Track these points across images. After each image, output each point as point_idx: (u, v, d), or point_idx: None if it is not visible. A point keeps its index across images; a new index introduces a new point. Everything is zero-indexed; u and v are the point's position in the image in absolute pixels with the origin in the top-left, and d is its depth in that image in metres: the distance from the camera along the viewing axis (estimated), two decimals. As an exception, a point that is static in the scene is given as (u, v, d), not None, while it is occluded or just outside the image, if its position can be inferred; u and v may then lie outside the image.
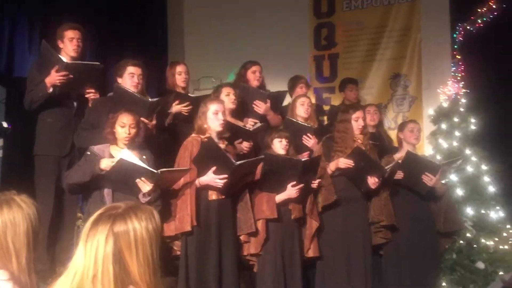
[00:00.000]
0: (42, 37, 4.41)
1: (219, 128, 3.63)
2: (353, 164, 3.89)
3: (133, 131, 3.36)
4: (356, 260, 3.97)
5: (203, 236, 3.54)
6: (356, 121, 4.07)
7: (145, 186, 3.23)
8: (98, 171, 3.24)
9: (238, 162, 3.48)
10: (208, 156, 3.49)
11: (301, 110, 4.31)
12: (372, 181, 3.91)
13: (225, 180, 3.47)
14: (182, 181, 3.52)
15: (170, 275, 3.58)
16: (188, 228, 3.45)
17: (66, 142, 3.91)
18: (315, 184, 3.86)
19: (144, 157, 3.44)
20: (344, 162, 3.91)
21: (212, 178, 3.48)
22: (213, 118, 3.61)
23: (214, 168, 3.46)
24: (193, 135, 3.68)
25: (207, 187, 3.56)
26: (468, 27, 5.76)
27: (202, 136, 3.62)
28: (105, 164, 3.24)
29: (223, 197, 3.60)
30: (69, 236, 3.88)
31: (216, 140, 3.63)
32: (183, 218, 3.47)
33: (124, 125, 3.33)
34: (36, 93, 3.81)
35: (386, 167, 3.99)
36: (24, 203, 1.83)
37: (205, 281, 3.51)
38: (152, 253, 1.52)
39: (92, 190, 3.35)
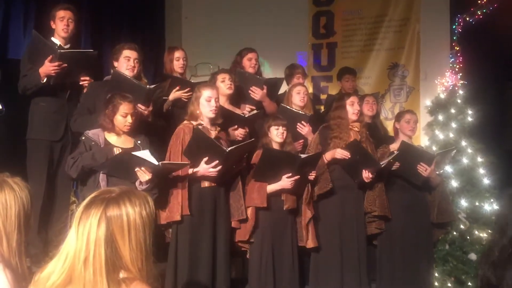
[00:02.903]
0: (37, 19, 4.34)
1: (211, 115, 3.60)
2: (349, 156, 3.88)
3: (133, 118, 3.37)
4: (349, 250, 3.97)
5: (196, 223, 3.54)
6: (352, 106, 4.06)
7: (144, 175, 3.24)
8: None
9: (229, 148, 3.47)
10: (199, 146, 3.48)
11: (297, 99, 4.30)
12: (366, 175, 3.90)
13: (219, 168, 3.48)
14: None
15: (164, 261, 3.57)
16: (177, 217, 3.47)
17: (59, 126, 3.88)
18: (312, 176, 3.85)
19: (139, 142, 3.43)
20: (340, 153, 3.89)
21: (205, 168, 3.48)
22: (206, 105, 3.59)
23: (206, 159, 3.47)
24: (184, 122, 3.67)
25: (201, 177, 3.55)
26: (467, 19, 5.71)
27: (194, 123, 3.60)
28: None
29: (215, 184, 3.60)
30: (62, 220, 3.86)
31: (208, 126, 3.62)
32: (173, 208, 3.49)
33: (126, 115, 3.33)
34: (30, 81, 3.76)
35: (383, 161, 3.96)
36: (17, 185, 1.80)
37: (197, 267, 3.51)
38: (145, 239, 1.51)
39: (88, 175, 3.34)
